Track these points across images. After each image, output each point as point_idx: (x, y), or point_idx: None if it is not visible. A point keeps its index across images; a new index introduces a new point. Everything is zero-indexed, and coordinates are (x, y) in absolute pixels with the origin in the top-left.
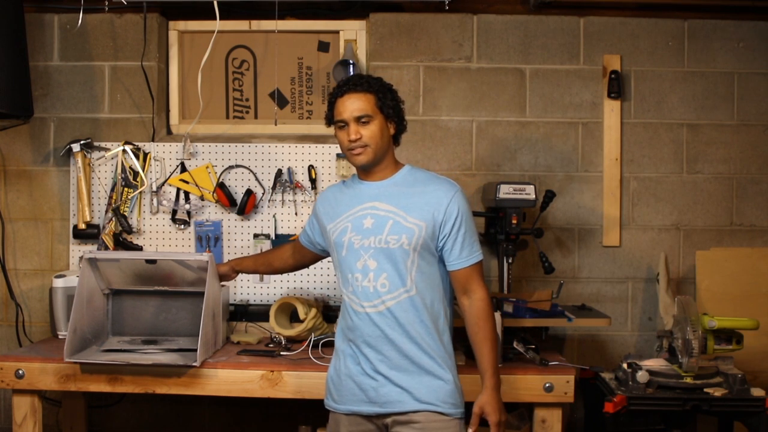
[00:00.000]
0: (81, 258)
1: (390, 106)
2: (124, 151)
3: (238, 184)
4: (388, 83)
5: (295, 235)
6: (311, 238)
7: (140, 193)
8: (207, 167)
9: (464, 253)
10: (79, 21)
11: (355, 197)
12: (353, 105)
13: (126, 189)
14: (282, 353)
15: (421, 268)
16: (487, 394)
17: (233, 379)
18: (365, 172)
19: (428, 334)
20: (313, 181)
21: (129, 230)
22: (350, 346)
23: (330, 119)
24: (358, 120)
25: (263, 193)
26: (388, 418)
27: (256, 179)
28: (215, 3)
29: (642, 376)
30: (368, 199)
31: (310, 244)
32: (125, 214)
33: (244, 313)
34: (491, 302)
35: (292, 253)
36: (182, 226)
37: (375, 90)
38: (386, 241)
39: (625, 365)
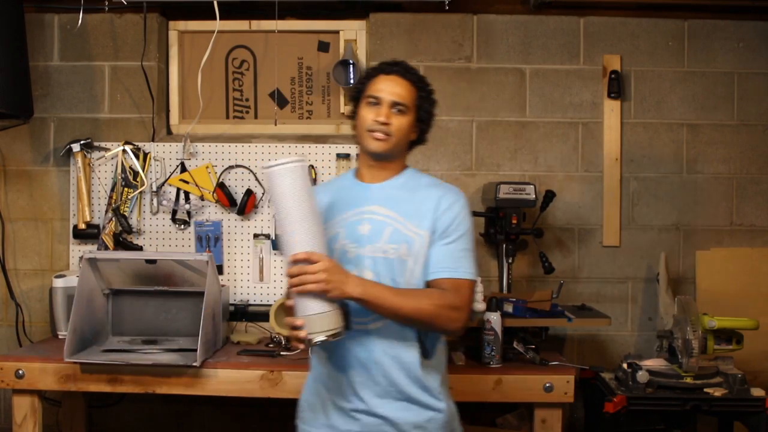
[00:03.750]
0: (81, 258)
1: (426, 110)
2: (124, 151)
3: (238, 184)
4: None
5: None
6: None
7: (140, 193)
8: (207, 167)
9: (457, 263)
10: (79, 21)
11: (352, 200)
12: (397, 89)
13: (126, 189)
14: (282, 353)
15: (414, 282)
16: (356, 279)
17: (233, 379)
18: (372, 164)
19: (416, 359)
20: (313, 182)
21: (129, 230)
22: (332, 368)
23: (359, 92)
24: (395, 105)
25: (263, 193)
26: None
27: (256, 179)
28: (215, 3)
29: (642, 376)
30: (366, 202)
31: None
32: (125, 214)
33: (244, 313)
34: (463, 324)
35: None
36: (182, 226)
37: (420, 87)
38: (384, 249)
39: (625, 365)
